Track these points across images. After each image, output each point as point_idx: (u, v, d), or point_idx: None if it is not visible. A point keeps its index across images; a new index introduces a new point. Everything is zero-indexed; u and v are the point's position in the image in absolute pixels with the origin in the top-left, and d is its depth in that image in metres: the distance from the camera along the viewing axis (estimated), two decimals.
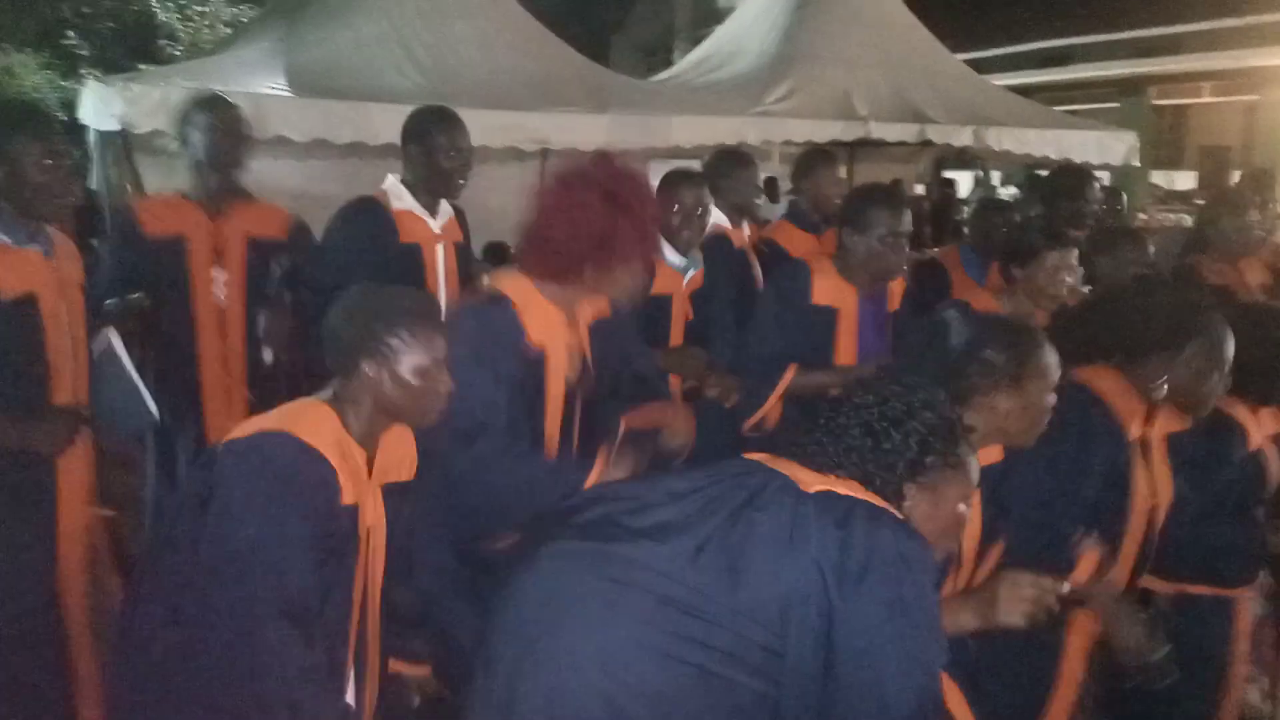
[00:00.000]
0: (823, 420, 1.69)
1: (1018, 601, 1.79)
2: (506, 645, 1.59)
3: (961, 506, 1.68)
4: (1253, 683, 2.67)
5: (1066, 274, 3.03)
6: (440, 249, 3.31)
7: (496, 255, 7.55)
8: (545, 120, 6.17)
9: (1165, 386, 2.32)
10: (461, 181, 3.28)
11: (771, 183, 9.98)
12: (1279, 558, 2.63)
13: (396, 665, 2.11)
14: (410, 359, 1.85)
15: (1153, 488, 2.43)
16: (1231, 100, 15.73)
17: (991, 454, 2.05)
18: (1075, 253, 3.08)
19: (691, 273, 3.46)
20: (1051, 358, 2.02)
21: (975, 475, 1.72)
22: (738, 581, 1.48)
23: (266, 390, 3.21)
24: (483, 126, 5.97)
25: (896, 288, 3.35)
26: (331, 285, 2.41)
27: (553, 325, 2.30)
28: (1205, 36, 14.91)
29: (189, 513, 1.79)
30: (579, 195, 2.20)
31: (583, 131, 6.21)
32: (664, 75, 9.49)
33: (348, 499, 1.83)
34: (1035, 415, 2.01)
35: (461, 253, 3.47)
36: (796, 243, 4.03)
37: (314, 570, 1.75)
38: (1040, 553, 2.10)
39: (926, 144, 8.90)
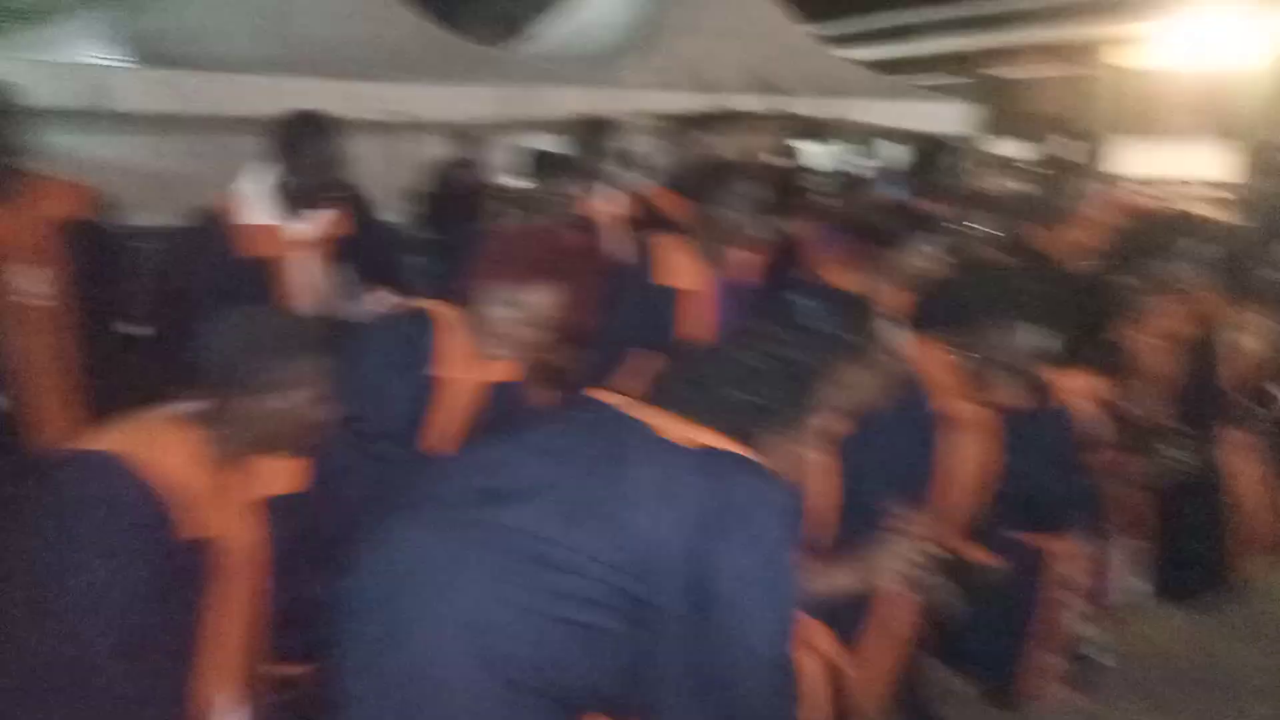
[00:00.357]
0: (688, 370, 1.71)
1: (894, 560, 1.86)
2: (370, 622, 1.54)
3: (812, 454, 1.75)
4: (1086, 617, 2.84)
5: (923, 259, 3.07)
6: (302, 259, 3.02)
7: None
8: (394, 90, 5.96)
9: (981, 358, 2.43)
10: (332, 193, 3.05)
11: (625, 153, 9.99)
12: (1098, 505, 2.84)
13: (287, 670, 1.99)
14: (275, 387, 1.75)
15: (976, 454, 2.54)
16: (1061, 72, 16.66)
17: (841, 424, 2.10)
18: (934, 236, 3.13)
19: None
20: (890, 327, 2.11)
21: (827, 427, 1.76)
22: (605, 534, 1.48)
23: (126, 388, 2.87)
24: (328, 96, 5.74)
25: (752, 261, 3.36)
26: (165, 317, 2.23)
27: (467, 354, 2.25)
28: (1038, 11, 15.73)
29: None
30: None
31: (433, 103, 6.05)
32: (517, 46, 9.34)
33: (192, 530, 1.69)
34: (881, 383, 2.08)
35: (350, 248, 3.16)
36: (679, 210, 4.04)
37: (147, 606, 1.62)
38: (865, 518, 2.17)
39: (780, 116, 9.08)
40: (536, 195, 3.58)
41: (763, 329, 1.75)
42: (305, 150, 2.92)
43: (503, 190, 4.71)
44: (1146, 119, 16.61)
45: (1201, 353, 3.48)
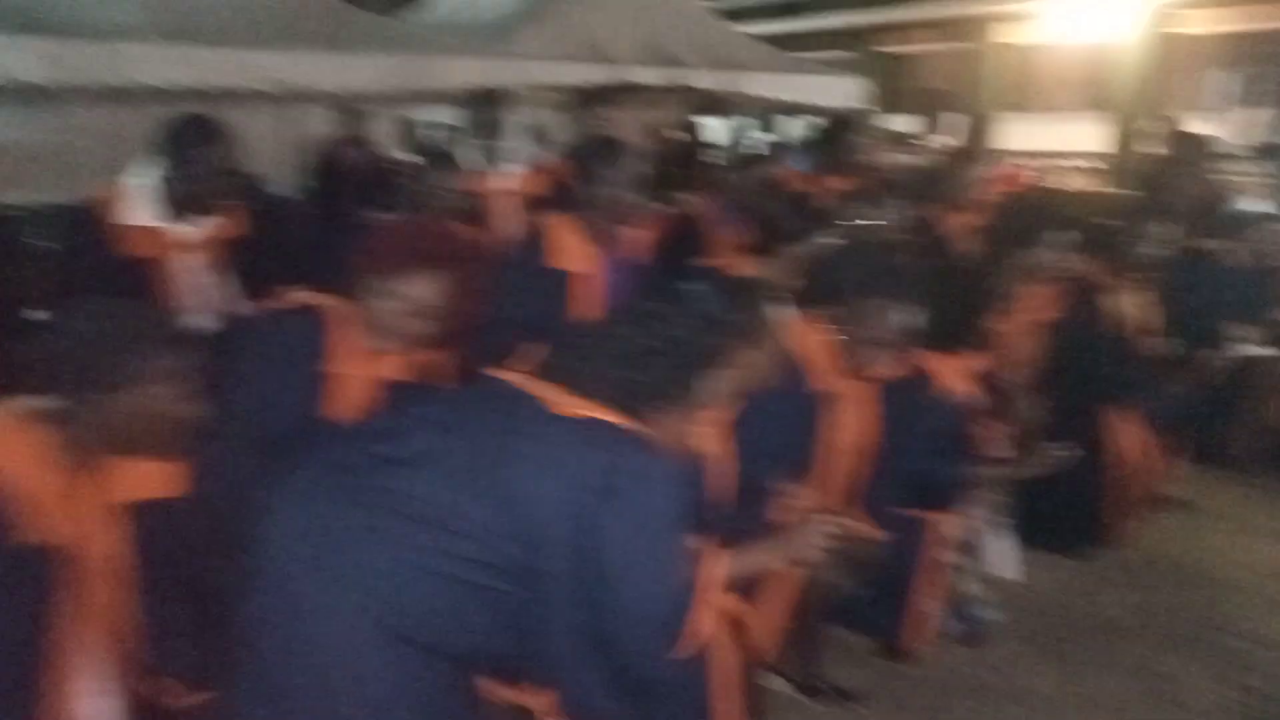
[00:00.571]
0: (577, 348, 1.73)
1: (815, 536, 1.93)
2: (262, 585, 1.55)
3: (700, 429, 1.79)
4: (969, 574, 2.98)
5: (814, 249, 3.12)
6: (187, 262, 2.91)
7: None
8: (282, 60, 5.75)
9: (855, 336, 2.49)
10: (219, 199, 2.94)
11: (524, 127, 9.91)
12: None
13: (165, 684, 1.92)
14: (130, 384, 1.65)
15: (855, 430, 2.63)
16: (948, 47, 17.13)
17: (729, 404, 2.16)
18: (820, 235, 3.18)
19: None
20: (777, 310, 2.16)
21: (717, 404, 1.81)
22: (493, 501, 1.51)
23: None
24: (210, 65, 5.52)
25: (644, 240, 3.35)
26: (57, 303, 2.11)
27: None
28: None
29: None
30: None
31: (322, 73, 5.85)
32: (410, 14, 9.11)
33: (37, 534, 1.59)
34: (768, 365, 2.14)
35: (243, 250, 3.04)
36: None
37: None
38: (757, 496, 2.26)
39: (679, 90, 9.11)
40: (425, 177, 3.49)
41: (651, 308, 1.77)
42: (192, 155, 2.81)
43: (392, 170, 4.60)
44: (1029, 94, 17.25)
45: (1079, 329, 3.64)
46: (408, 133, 6.86)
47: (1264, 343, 4.38)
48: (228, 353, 2.15)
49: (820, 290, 2.57)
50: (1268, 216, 5.01)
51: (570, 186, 3.21)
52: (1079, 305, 3.65)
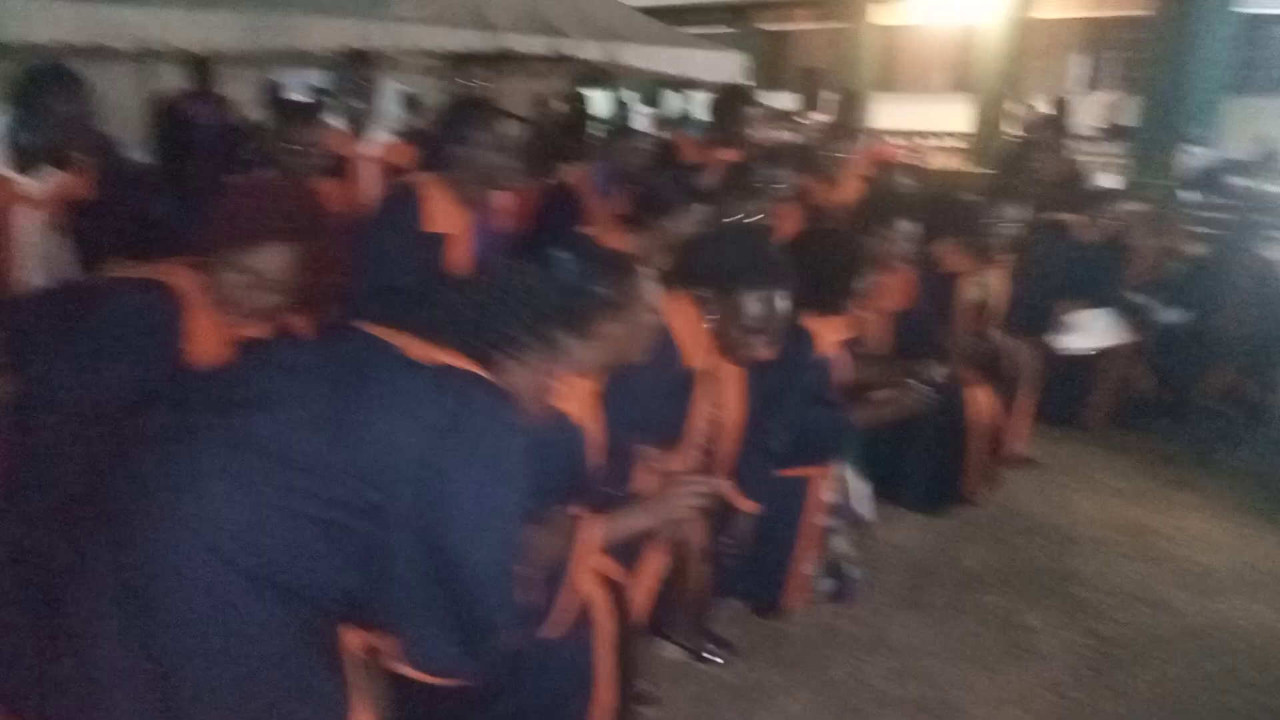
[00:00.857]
0: (437, 294, 1.74)
1: (687, 496, 2.01)
2: (110, 526, 1.50)
3: (549, 381, 1.81)
4: (839, 534, 3.10)
5: (690, 226, 3.05)
6: (29, 218, 2.78)
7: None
8: (141, 15, 5.43)
9: (725, 323, 2.53)
10: (69, 153, 2.81)
11: (413, 98, 9.66)
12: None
13: None
14: None
15: (726, 407, 2.71)
16: (824, 26, 17.52)
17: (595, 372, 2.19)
18: (700, 209, 3.13)
19: None
20: (649, 285, 2.17)
21: (583, 372, 1.83)
22: (347, 444, 1.51)
23: None
24: (64, 19, 5.18)
25: (513, 206, 3.31)
26: None
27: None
28: None
29: None
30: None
31: (186, 30, 5.57)
32: None
33: None
34: (641, 336, 2.18)
35: (87, 212, 2.91)
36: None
37: None
38: (623, 466, 2.29)
39: (563, 60, 9.02)
40: (285, 140, 3.32)
41: (513, 265, 1.79)
42: (43, 106, 2.71)
43: (247, 131, 4.38)
44: (899, 74, 17.81)
45: (936, 303, 3.83)
46: (270, 93, 6.58)
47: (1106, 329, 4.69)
48: (61, 329, 2.03)
49: (693, 271, 2.60)
50: (1119, 192, 5.31)
51: (439, 152, 3.15)
52: (933, 288, 3.81)
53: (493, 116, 2.97)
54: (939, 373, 3.20)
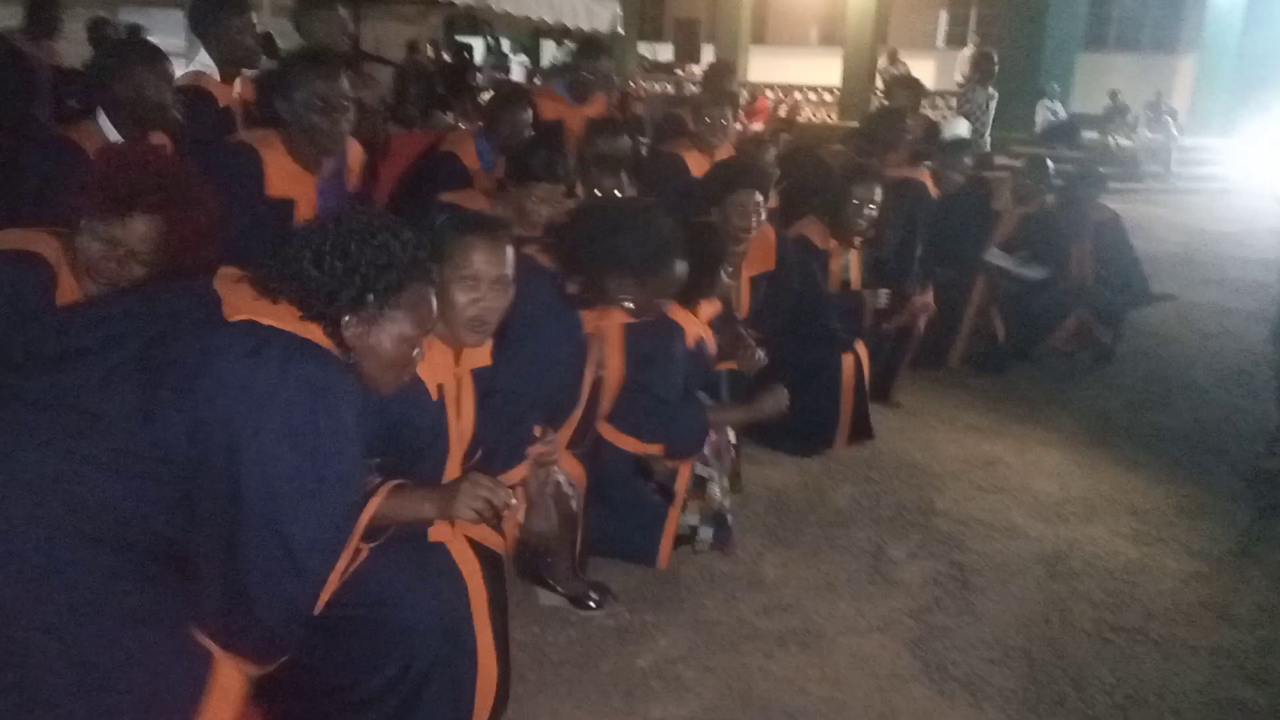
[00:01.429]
0: (281, 246, 1.66)
1: (473, 499, 1.87)
2: None
3: (407, 347, 1.72)
4: (713, 482, 3.16)
5: (545, 207, 2.96)
6: None
7: None
8: None
9: (595, 292, 2.55)
10: None
11: (270, 38, 9.17)
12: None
13: None
14: None
15: (609, 358, 2.81)
16: None
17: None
18: (561, 188, 3.04)
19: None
20: (498, 255, 2.07)
21: (421, 321, 1.73)
22: (146, 409, 1.48)
23: None
24: None
25: (354, 164, 3.14)
26: None
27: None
28: None
29: None
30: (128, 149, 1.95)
31: None
32: None
33: None
34: (477, 307, 2.04)
35: None
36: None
37: None
38: (511, 442, 2.29)
39: (433, 4, 8.74)
40: (123, 83, 2.84)
41: (363, 219, 1.69)
42: None
43: (83, 73, 3.98)
44: (771, 27, 17.97)
45: (810, 279, 3.99)
46: (98, 31, 6.17)
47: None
48: None
49: (565, 243, 2.58)
50: (970, 143, 5.50)
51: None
52: (799, 261, 3.94)
53: (314, 69, 2.77)
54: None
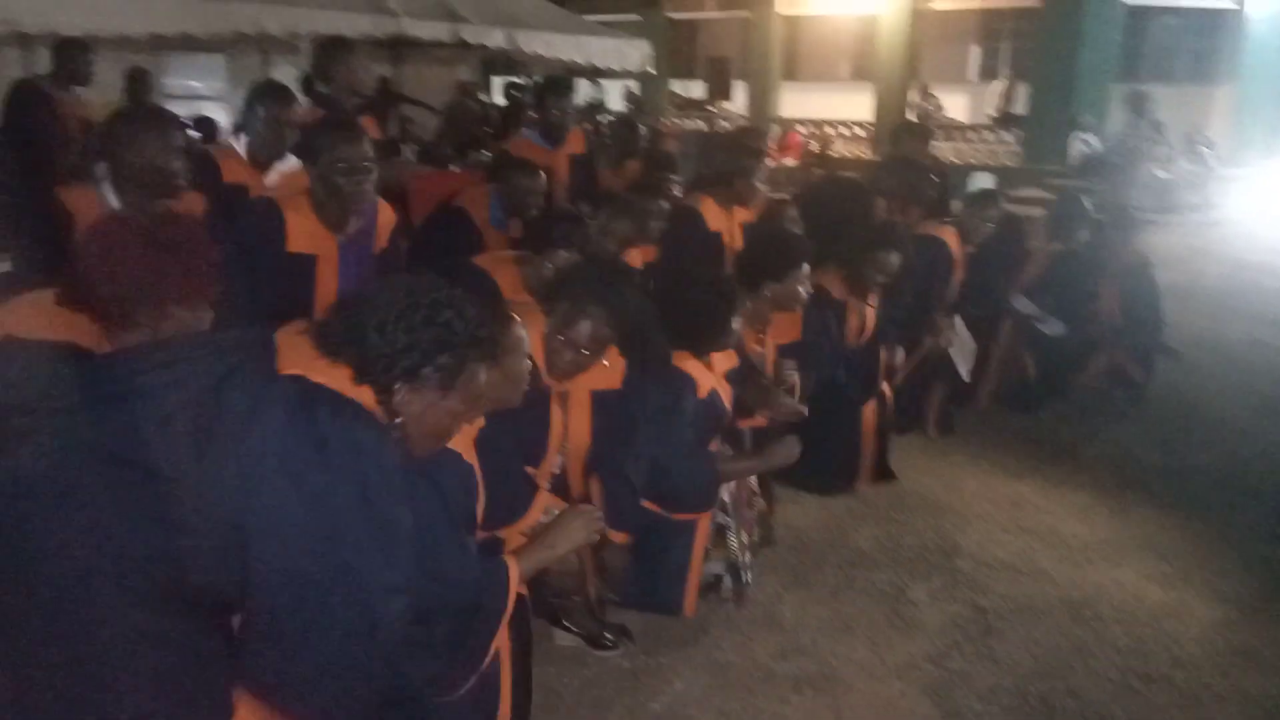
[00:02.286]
0: (345, 306, 1.68)
1: (574, 531, 2.18)
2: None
3: (452, 421, 1.75)
4: (731, 531, 3.16)
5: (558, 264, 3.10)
6: None
7: None
8: None
9: (558, 341, 2.61)
10: None
11: (385, 80, 9.48)
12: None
13: None
14: None
15: (573, 423, 2.81)
16: (731, 15, 17.63)
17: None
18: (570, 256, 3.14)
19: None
20: (521, 331, 2.24)
21: (472, 399, 1.75)
22: (198, 455, 1.48)
23: None
24: None
25: (384, 225, 3.22)
26: None
27: None
28: None
29: None
30: (115, 241, 1.92)
31: (64, 13, 5.33)
32: None
33: None
34: (514, 380, 2.22)
35: None
36: None
37: None
38: (509, 493, 2.36)
39: (465, 46, 8.90)
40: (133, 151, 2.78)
41: (431, 291, 1.69)
42: None
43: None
44: (803, 63, 18.06)
45: (827, 329, 3.99)
46: (137, 83, 6.32)
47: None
48: None
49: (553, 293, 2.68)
50: (992, 195, 5.42)
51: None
52: (824, 316, 3.96)
53: (339, 136, 2.89)
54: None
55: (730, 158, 4.51)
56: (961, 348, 4.73)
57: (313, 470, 1.49)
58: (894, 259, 4.02)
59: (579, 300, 2.60)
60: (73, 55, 5.19)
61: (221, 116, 9.49)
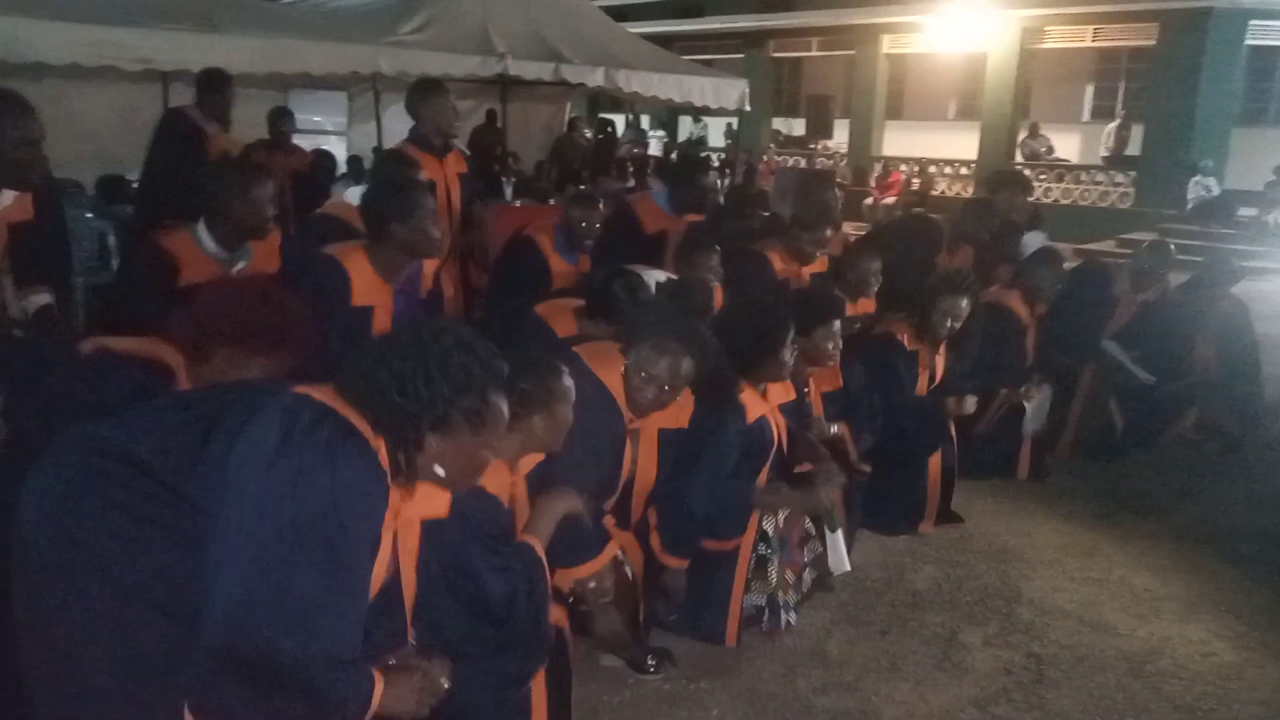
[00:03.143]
0: (363, 358, 1.70)
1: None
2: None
3: (487, 454, 1.79)
4: (773, 564, 3.17)
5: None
6: None
7: (110, 190, 6.86)
8: (147, 38, 5.66)
9: (635, 379, 2.69)
10: (29, 175, 2.91)
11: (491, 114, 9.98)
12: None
13: None
14: None
15: (643, 458, 2.89)
16: (834, 55, 17.67)
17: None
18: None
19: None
20: (569, 380, 2.33)
21: (499, 432, 1.78)
22: (193, 462, 1.61)
23: None
24: (71, 42, 5.41)
25: (428, 270, 3.40)
26: None
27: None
28: None
29: None
30: (237, 290, 2.19)
31: (193, 52, 5.78)
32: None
33: None
34: (560, 427, 2.32)
35: (28, 235, 3.06)
36: (424, 166, 4.14)
37: None
38: (574, 534, 2.42)
39: (567, 85, 9.20)
40: (241, 203, 3.09)
41: (439, 338, 1.71)
42: (8, 136, 2.78)
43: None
44: (907, 101, 17.91)
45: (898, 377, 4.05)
46: (280, 124, 6.75)
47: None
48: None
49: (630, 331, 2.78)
50: (1052, 252, 5.24)
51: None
52: (895, 364, 4.03)
53: (425, 193, 3.09)
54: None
55: (801, 211, 4.57)
56: (1040, 405, 4.67)
57: (261, 470, 1.54)
58: (964, 305, 4.00)
59: (661, 339, 2.68)
60: (216, 86, 5.34)
61: (340, 150, 10.07)
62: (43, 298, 3.15)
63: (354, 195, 3.92)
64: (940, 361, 4.19)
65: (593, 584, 2.44)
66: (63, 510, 1.61)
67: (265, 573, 1.50)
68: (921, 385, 4.13)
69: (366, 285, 3.07)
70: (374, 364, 1.66)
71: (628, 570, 2.74)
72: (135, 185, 5.88)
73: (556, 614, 2.37)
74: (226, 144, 5.44)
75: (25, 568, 1.63)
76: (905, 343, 4.08)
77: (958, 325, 4.04)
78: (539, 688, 2.27)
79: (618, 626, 2.71)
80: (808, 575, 3.26)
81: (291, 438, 1.55)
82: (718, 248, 3.88)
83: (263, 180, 3.09)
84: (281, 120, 6.82)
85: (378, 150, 8.87)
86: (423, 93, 4.28)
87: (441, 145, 4.32)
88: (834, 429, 3.73)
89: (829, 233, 4.43)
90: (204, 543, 1.55)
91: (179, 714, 1.58)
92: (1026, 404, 4.60)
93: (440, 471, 1.72)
